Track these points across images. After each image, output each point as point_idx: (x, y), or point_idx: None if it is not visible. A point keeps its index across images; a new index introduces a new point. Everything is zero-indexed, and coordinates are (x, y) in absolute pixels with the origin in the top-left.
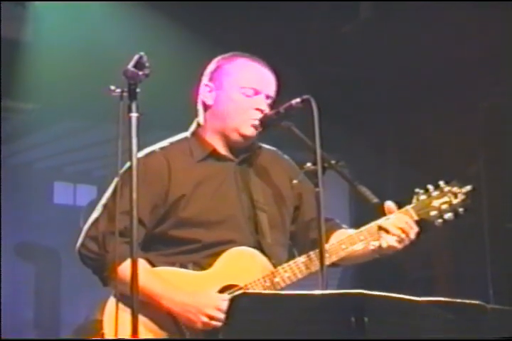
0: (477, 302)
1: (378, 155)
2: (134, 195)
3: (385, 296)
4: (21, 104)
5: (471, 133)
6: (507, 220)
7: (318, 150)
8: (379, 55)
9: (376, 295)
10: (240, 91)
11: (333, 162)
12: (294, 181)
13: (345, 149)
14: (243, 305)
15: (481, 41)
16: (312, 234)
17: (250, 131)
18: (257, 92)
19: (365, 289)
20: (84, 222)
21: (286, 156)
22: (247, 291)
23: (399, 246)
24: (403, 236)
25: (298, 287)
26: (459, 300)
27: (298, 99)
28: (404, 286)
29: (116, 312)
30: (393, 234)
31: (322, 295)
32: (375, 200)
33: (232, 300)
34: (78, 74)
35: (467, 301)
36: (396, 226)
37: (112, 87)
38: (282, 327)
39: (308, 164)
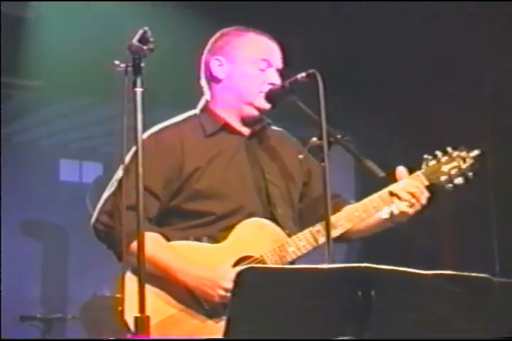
0: (484, 275)
1: (383, 130)
2: (140, 170)
3: (391, 270)
4: (27, 81)
5: (477, 109)
6: None
7: (324, 125)
8: (383, 31)
9: (382, 269)
10: (253, 65)
11: (339, 136)
12: (300, 156)
13: (350, 124)
14: (249, 279)
15: (484, 18)
16: (320, 211)
17: (266, 104)
18: (269, 65)
19: (372, 263)
20: (91, 199)
21: (293, 138)
22: (253, 265)
23: (410, 211)
24: (414, 200)
25: (304, 261)
26: (466, 274)
27: (303, 74)
28: (411, 262)
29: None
30: (404, 200)
31: (329, 269)
32: (382, 174)
33: (238, 274)
34: (83, 51)
35: (474, 274)
36: (407, 191)
37: (117, 62)
38: (288, 302)
39: (314, 138)
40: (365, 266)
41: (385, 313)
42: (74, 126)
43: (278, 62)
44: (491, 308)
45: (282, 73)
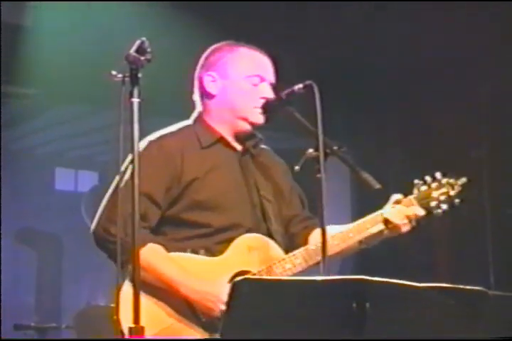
0: (479, 288)
1: (379, 141)
2: (136, 181)
3: (386, 282)
4: (23, 89)
5: (473, 118)
6: (508, 206)
7: (321, 136)
8: (381, 40)
9: (377, 281)
10: (246, 80)
11: (335, 148)
12: (296, 167)
13: (346, 135)
14: (244, 291)
15: (484, 27)
16: (293, 229)
17: (260, 119)
18: (262, 80)
19: (367, 275)
20: (86, 208)
21: (277, 156)
22: (248, 277)
23: (403, 229)
24: (406, 222)
25: (299, 273)
26: (460, 286)
27: (300, 85)
28: (406, 273)
29: (118, 295)
30: (396, 224)
31: (323, 280)
32: (377, 186)
33: (233, 286)
34: (80, 59)
35: (468, 287)
36: (402, 214)
37: (114, 72)
38: (283, 313)
39: (310, 150)
40: (360, 278)
41: (380, 325)
42: (70, 134)
43: (271, 77)
44: (485, 321)
45: (275, 87)
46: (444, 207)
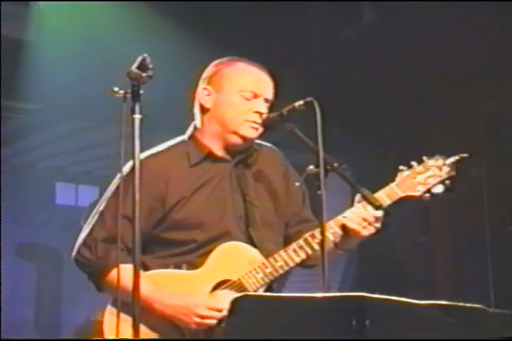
0: (479, 305)
1: (379, 157)
2: (137, 197)
3: (386, 299)
4: (24, 105)
5: (472, 136)
6: (508, 223)
7: (321, 153)
8: (380, 56)
9: (377, 298)
10: (239, 94)
11: (335, 164)
12: (297, 184)
13: (346, 151)
14: (244, 307)
15: (481, 44)
16: (289, 231)
17: (250, 133)
18: (256, 95)
19: (367, 292)
20: (86, 223)
21: (281, 154)
22: (247, 293)
23: (365, 233)
24: (365, 224)
25: (298, 289)
26: (460, 304)
27: (301, 102)
28: (405, 289)
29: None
30: (353, 229)
31: (323, 297)
32: (378, 203)
33: (232, 302)
34: (81, 74)
35: (468, 305)
36: (359, 217)
37: (116, 89)
38: (283, 330)
39: (311, 166)
40: (360, 295)
41: (379, 340)
42: (70, 149)
43: (267, 92)
44: (485, 339)
45: (272, 103)
46: (436, 190)
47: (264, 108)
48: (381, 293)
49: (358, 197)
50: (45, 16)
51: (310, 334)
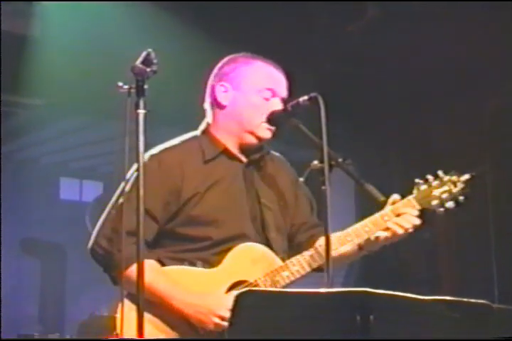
0: (483, 301)
1: (383, 153)
2: (141, 192)
3: (390, 295)
4: (28, 100)
5: (477, 132)
6: None
7: (325, 148)
8: (383, 54)
9: (381, 294)
10: (258, 94)
11: (339, 160)
12: (301, 179)
13: (350, 146)
14: (248, 303)
15: (486, 42)
16: (300, 237)
17: (266, 134)
18: (274, 95)
19: (370, 287)
20: (90, 218)
21: (288, 164)
22: (251, 289)
23: (401, 234)
24: (408, 226)
25: (303, 285)
26: (464, 300)
27: (305, 97)
28: (409, 286)
29: (122, 312)
30: (396, 225)
31: (327, 293)
32: (382, 198)
33: (236, 298)
34: (85, 70)
35: (473, 300)
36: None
37: (120, 84)
38: (287, 325)
39: (315, 162)
40: (364, 291)
41: (384, 338)
42: (75, 144)
43: (283, 92)
44: (489, 334)
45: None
46: (449, 205)
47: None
48: (385, 289)
49: (391, 199)
50: (49, 12)
51: (314, 329)
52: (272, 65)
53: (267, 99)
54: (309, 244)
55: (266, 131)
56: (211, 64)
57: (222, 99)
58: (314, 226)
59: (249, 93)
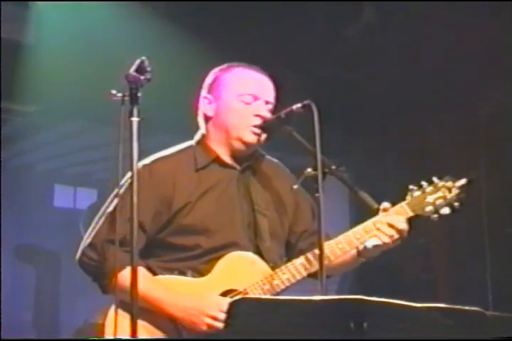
0: (476, 308)
1: (378, 159)
2: (135, 199)
3: (384, 302)
4: (22, 106)
5: (471, 137)
6: (507, 225)
7: (319, 156)
8: (379, 58)
9: (375, 301)
10: (238, 99)
11: (333, 167)
12: (295, 186)
13: (345, 153)
14: (242, 310)
15: (482, 45)
16: (301, 245)
17: (252, 138)
18: (256, 98)
19: (365, 294)
20: (84, 225)
21: (287, 169)
22: (246, 296)
23: (390, 243)
24: (396, 235)
25: (297, 292)
26: (458, 307)
27: (299, 104)
28: (404, 291)
29: (116, 319)
30: (386, 233)
31: (321, 300)
32: (376, 206)
33: (231, 305)
34: (80, 76)
35: (466, 308)
36: (390, 224)
37: (114, 91)
38: (281, 333)
39: (309, 169)
40: (358, 298)
41: (378, 339)
42: (69, 151)
43: (267, 95)
44: (483, 340)
45: (275, 106)
46: (443, 211)
47: (264, 110)
48: (379, 295)
49: (381, 207)
50: (44, 17)
51: (308, 337)
52: (253, 69)
53: (248, 104)
54: (310, 251)
55: (251, 135)
56: (206, 71)
57: (207, 111)
58: (315, 233)
59: (229, 99)
